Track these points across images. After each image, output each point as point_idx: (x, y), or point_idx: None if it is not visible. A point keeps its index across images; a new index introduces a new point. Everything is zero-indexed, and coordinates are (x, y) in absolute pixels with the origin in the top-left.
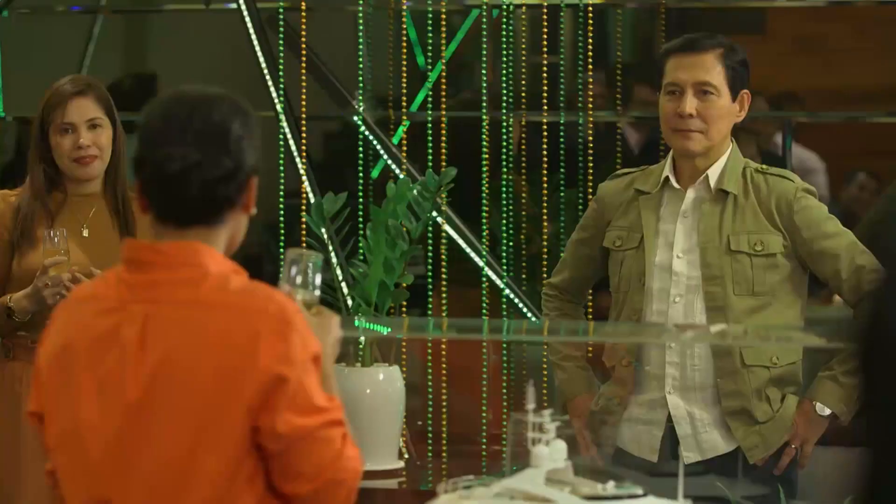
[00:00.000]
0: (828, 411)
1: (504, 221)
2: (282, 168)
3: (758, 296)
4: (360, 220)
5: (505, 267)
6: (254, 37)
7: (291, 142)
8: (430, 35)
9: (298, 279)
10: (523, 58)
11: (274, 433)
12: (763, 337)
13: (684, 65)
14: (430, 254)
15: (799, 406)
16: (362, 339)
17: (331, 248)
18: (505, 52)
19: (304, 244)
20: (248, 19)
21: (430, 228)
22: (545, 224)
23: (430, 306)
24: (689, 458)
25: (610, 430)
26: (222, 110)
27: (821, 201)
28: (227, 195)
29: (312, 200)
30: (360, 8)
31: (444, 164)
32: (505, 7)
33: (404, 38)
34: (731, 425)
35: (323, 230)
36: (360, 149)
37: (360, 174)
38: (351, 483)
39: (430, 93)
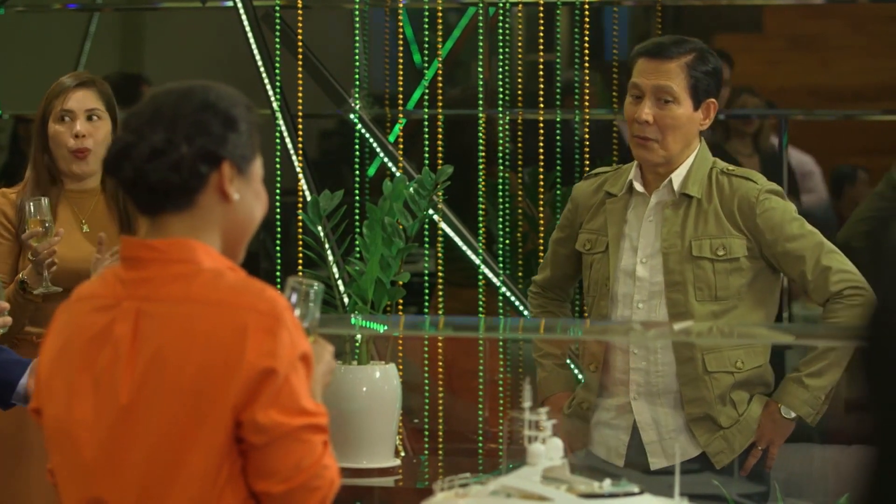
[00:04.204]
0: (793, 414)
1: (500, 219)
2: (278, 166)
3: (720, 301)
4: (357, 217)
5: (501, 265)
6: (250, 34)
7: (288, 139)
8: (427, 33)
9: (298, 309)
10: (519, 55)
11: (255, 425)
12: (725, 334)
13: (648, 70)
14: (426, 252)
15: (765, 408)
16: (358, 336)
17: (327, 245)
18: (501, 50)
19: (301, 242)
20: (244, 17)
21: (427, 226)
22: (541, 222)
23: (426, 304)
24: (654, 463)
25: (580, 434)
26: (181, 94)
27: (820, 204)
28: (162, 176)
29: (309, 198)
30: (357, 5)
31: (440, 161)
32: (501, 5)
33: (401, 36)
34: (694, 432)
35: (319, 228)
36: (357, 146)
37: (357, 172)
38: (326, 492)
39: (427, 90)
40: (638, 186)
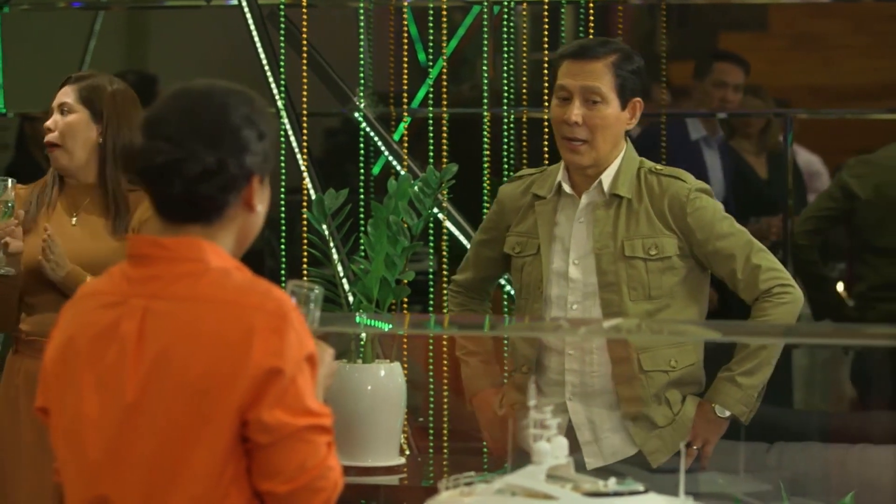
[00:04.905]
0: (728, 413)
1: None
2: (283, 164)
3: (654, 300)
4: (362, 216)
5: None
6: (255, 33)
7: (292, 138)
8: (432, 31)
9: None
10: (524, 54)
11: (261, 425)
12: (655, 330)
13: (574, 71)
14: (430, 250)
15: (698, 408)
16: (363, 335)
17: (332, 244)
18: (506, 49)
19: (306, 240)
20: (248, 15)
21: (432, 225)
22: None
23: (431, 303)
24: (590, 463)
25: (511, 434)
26: (221, 106)
27: None
28: (210, 194)
29: (313, 196)
30: (361, 4)
31: (445, 160)
32: (506, 3)
33: (405, 35)
34: (631, 430)
35: (324, 226)
36: (361, 145)
37: (362, 170)
38: (330, 494)
39: (431, 89)
40: (566, 188)
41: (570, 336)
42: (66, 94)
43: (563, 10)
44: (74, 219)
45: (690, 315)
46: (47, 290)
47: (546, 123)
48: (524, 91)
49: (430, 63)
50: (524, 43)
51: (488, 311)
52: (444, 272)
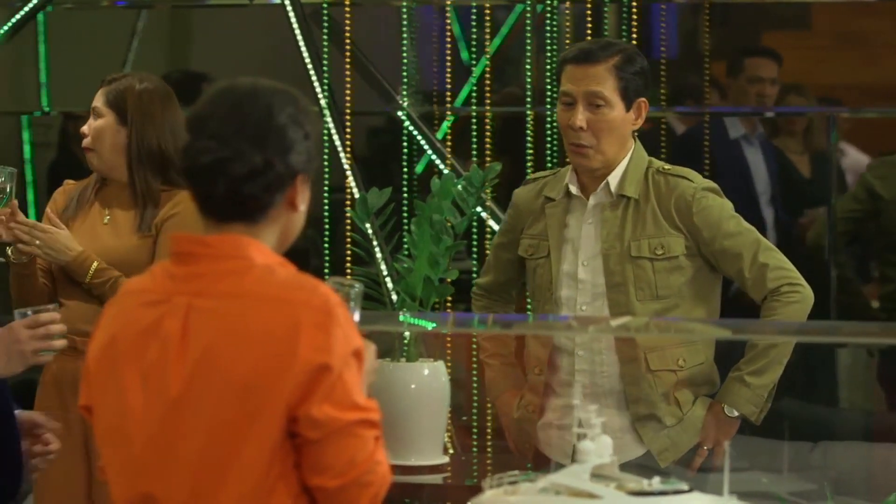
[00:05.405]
0: (736, 413)
1: None
2: (326, 163)
3: (662, 299)
4: (405, 215)
5: None
6: (298, 32)
7: (336, 137)
8: (475, 30)
9: None
10: None
11: (310, 421)
12: (662, 328)
13: (577, 76)
14: (474, 249)
15: (709, 408)
16: (407, 334)
17: (375, 242)
18: (549, 48)
19: (349, 239)
20: (291, 14)
21: (475, 224)
22: None
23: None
24: None
25: (527, 434)
26: (267, 106)
27: None
28: (256, 194)
29: (357, 195)
30: (404, 3)
31: (488, 159)
32: (549, 2)
33: (448, 33)
34: (639, 431)
35: (367, 225)
36: (405, 144)
37: (405, 169)
38: (378, 489)
39: (475, 88)
40: (574, 190)
41: (580, 336)
42: (98, 98)
43: (606, 9)
44: (107, 217)
45: (699, 314)
46: (74, 287)
47: None
48: None
49: (474, 62)
50: (567, 42)
51: (511, 313)
52: None
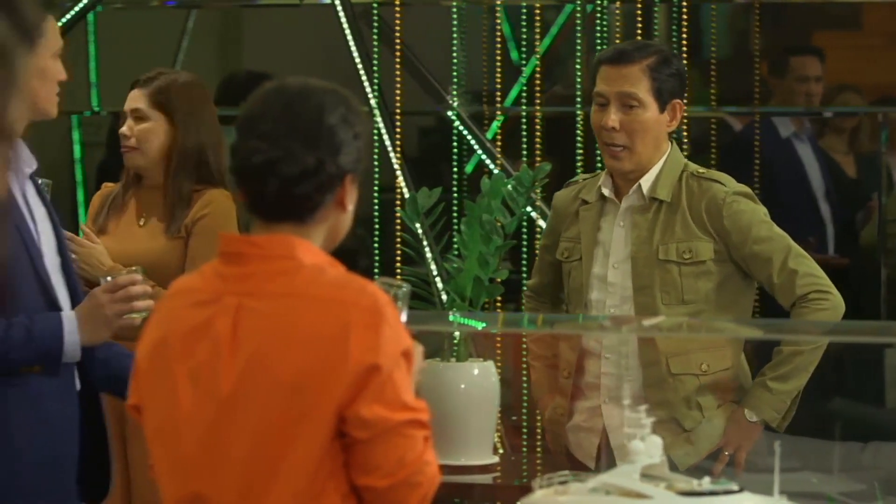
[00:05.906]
0: (756, 418)
1: None
2: (377, 163)
3: (688, 304)
4: (455, 214)
5: None
6: (348, 32)
7: (386, 137)
8: (525, 30)
9: None
10: None
11: (360, 420)
12: (693, 328)
13: (611, 76)
14: (524, 249)
15: (731, 413)
16: (457, 334)
17: (425, 242)
18: (599, 48)
19: (399, 239)
20: (342, 14)
21: (525, 223)
22: None
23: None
24: None
25: (559, 436)
26: (318, 106)
27: None
28: (307, 194)
29: (407, 195)
30: (455, 3)
31: (538, 159)
32: (599, 2)
33: (498, 33)
34: (659, 434)
35: (417, 225)
36: (455, 144)
37: (455, 169)
38: (427, 489)
39: (525, 88)
40: (607, 193)
41: (609, 336)
42: (138, 100)
43: (656, 9)
44: (143, 220)
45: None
46: None
47: None
48: None
49: (524, 62)
50: (617, 42)
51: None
52: None
